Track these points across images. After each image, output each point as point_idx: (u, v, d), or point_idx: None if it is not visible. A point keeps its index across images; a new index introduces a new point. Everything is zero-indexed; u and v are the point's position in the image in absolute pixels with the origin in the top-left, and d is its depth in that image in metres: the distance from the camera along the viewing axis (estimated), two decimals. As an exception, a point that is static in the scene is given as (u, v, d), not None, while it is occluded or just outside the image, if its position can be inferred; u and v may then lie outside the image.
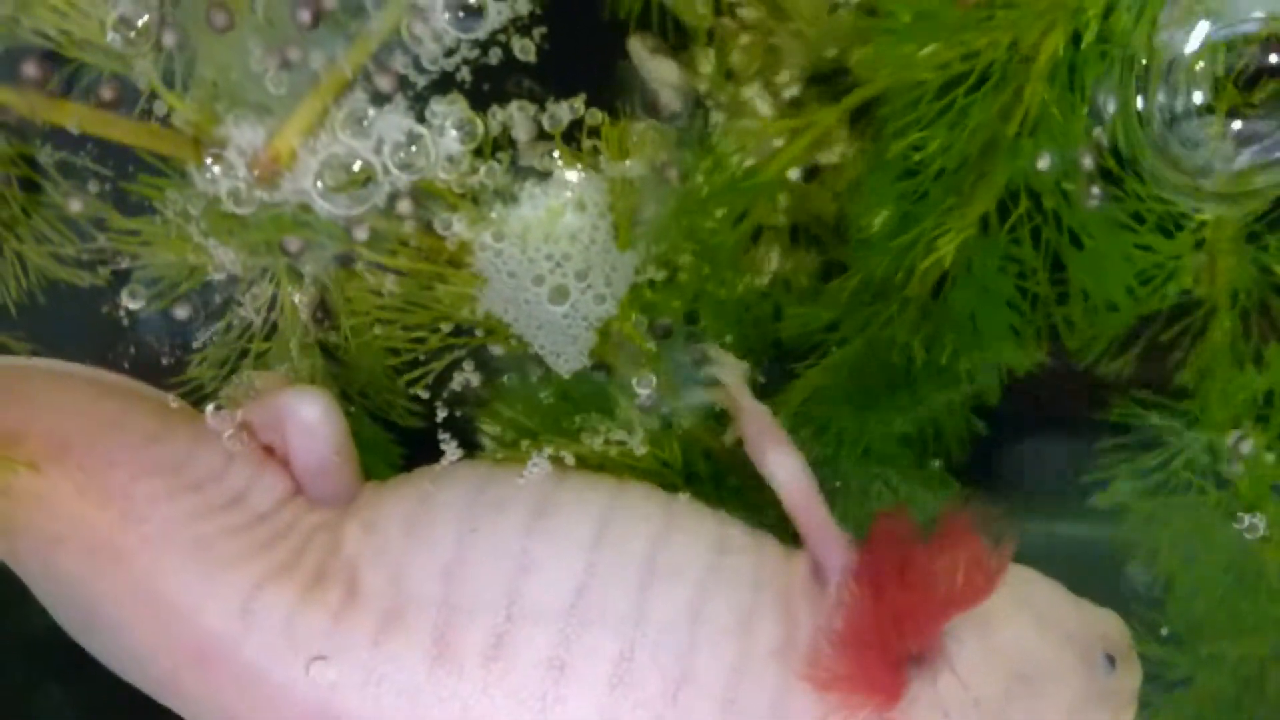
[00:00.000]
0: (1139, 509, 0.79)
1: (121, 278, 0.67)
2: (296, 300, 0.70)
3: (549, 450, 0.68)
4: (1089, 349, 0.78)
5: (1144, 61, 0.69)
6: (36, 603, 0.69)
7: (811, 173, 0.74)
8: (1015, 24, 0.69)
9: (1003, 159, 0.74)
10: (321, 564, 0.68)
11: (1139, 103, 0.70)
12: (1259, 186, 0.72)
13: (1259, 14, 0.67)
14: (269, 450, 0.72)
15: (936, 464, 0.81)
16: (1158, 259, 0.75)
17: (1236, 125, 0.69)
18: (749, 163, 0.71)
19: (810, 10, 0.70)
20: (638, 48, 0.68)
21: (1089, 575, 0.75)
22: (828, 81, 0.72)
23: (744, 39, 0.70)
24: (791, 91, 0.71)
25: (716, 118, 0.69)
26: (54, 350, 0.71)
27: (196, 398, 0.74)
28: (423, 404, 0.73)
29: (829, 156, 0.75)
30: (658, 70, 0.68)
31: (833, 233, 0.77)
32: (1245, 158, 0.70)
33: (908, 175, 0.73)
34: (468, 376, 0.70)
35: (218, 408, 0.71)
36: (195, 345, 0.72)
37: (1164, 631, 0.80)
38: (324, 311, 0.72)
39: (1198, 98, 0.68)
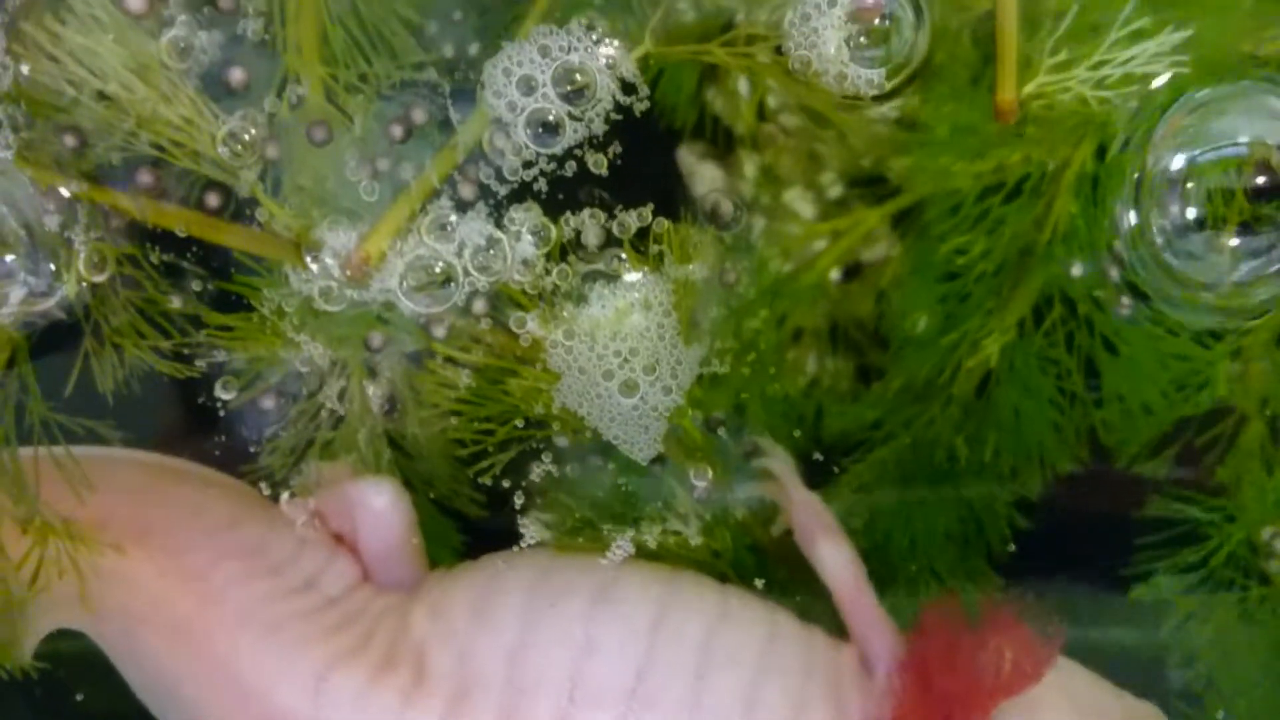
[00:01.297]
0: (1181, 605, 0.80)
1: (213, 370, 0.71)
2: (370, 392, 0.74)
3: (618, 538, 0.71)
4: (1127, 447, 0.81)
5: (1138, 178, 0.72)
6: (119, 676, 0.72)
7: (851, 272, 0.78)
8: (1046, 138, 0.74)
9: (1037, 265, 0.78)
10: (390, 646, 0.70)
11: (1132, 218, 0.73)
12: (1260, 299, 0.74)
13: (1244, 138, 0.70)
14: (339, 537, 0.76)
15: (980, 557, 0.83)
16: (1193, 366, 0.78)
17: (1233, 241, 0.71)
18: (790, 266, 0.76)
19: (848, 121, 0.74)
20: (685, 155, 0.73)
21: (1130, 670, 0.76)
22: (868, 184, 0.76)
23: (786, 144, 0.75)
24: (833, 193, 0.75)
25: (761, 221, 0.74)
26: (144, 438, 0.74)
27: (267, 484, 0.77)
28: (484, 492, 0.76)
29: (870, 254, 0.79)
30: (704, 175, 0.73)
31: (871, 335, 0.81)
32: (1244, 272, 0.72)
33: (950, 278, 0.77)
34: (532, 467, 0.74)
35: (291, 496, 0.75)
36: (269, 434, 0.76)
37: (1205, 728, 0.81)
38: (392, 403, 0.76)
39: (1192, 214, 0.71)
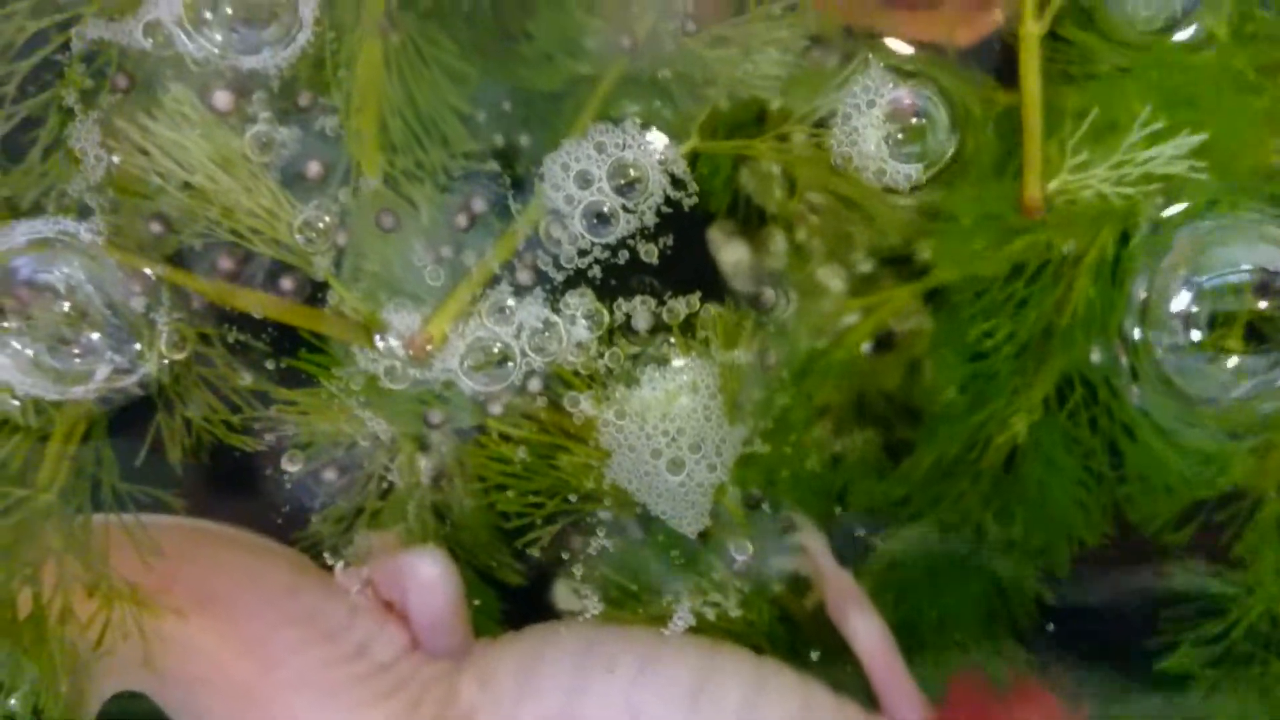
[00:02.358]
0: (1203, 678, 0.82)
1: (277, 443, 0.75)
2: (422, 464, 0.78)
3: (665, 609, 0.74)
4: (1150, 522, 0.82)
5: (1144, 299, 0.76)
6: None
7: (881, 345, 0.81)
8: (1067, 226, 0.77)
9: (1059, 347, 0.81)
10: (439, 714, 0.73)
11: (1136, 335, 0.77)
12: (1264, 413, 0.77)
13: (1247, 266, 0.74)
14: (390, 605, 0.78)
15: (1007, 630, 0.85)
16: (1209, 454, 0.80)
17: (1233, 361, 0.74)
18: (821, 343, 0.79)
19: (873, 205, 0.78)
20: (715, 235, 0.77)
21: (1155, 743, 0.79)
22: (897, 263, 0.79)
23: (817, 222, 0.78)
24: (863, 270, 0.78)
25: (794, 300, 0.77)
26: (208, 507, 0.78)
27: (316, 552, 0.80)
28: (527, 562, 0.79)
29: (900, 328, 0.81)
30: (733, 255, 0.77)
31: (901, 409, 0.83)
32: (1244, 390, 0.75)
33: (978, 357, 0.80)
34: (578, 540, 0.77)
35: (345, 565, 0.78)
36: (323, 505, 0.79)
37: (1228, 803, 0.83)
38: (442, 475, 0.79)
39: (1195, 336, 0.74)
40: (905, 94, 0.71)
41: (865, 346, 0.80)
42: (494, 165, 0.73)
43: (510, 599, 0.81)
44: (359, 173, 0.70)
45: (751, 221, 0.76)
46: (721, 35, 0.74)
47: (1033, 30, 0.73)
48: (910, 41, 0.77)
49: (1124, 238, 0.77)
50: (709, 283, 0.74)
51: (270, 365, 0.73)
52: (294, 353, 0.73)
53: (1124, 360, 0.79)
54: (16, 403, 0.69)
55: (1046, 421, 0.81)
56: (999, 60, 0.76)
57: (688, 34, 0.73)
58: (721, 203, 0.75)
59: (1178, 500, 0.83)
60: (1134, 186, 0.75)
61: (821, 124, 0.73)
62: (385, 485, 0.78)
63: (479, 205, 0.72)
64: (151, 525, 0.74)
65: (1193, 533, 0.83)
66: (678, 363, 0.72)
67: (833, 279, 0.78)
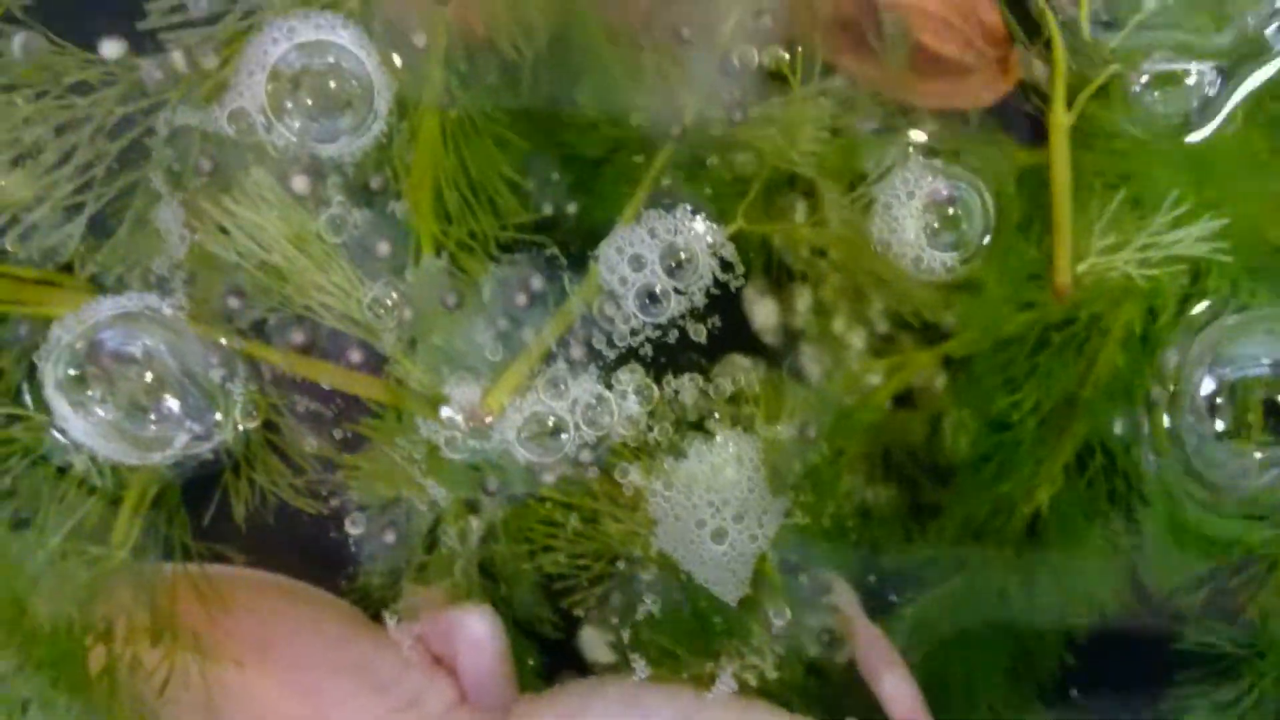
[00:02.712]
0: (1220, 740, 0.85)
1: (340, 506, 0.78)
2: (473, 525, 0.81)
3: (708, 669, 0.77)
4: (1166, 586, 0.84)
5: (1173, 390, 0.78)
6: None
7: (905, 402, 0.83)
8: (1094, 301, 0.79)
9: (1081, 418, 0.83)
10: (486, 765, 0.76)
11: (1166, 421, 0.79)
12: None
13: (1266, 360, 0.77)
14: (439, 659, 0.81)
15: (1032, 690, 0.87)
16: (1225, 526, 0.82)
17: (1258, 454, 0.77)
18: (848, 405, 0.82)
19: (910, 288, 0.80)
20: (759, 312, 0.80)
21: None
22: (926, 329, 0.81)
23: (852, 299, 0.81)
24: (893, 340, 0.81)
25: (830, 371, 0.80)
26: (268, 561, 0.81)
27: (366, 604, 0.83)
28: (570, 621, 0.82)
29: (924, 388, 0.83)
30: (775, 331, 0.80)
31: (928, 469, 0.86)
32: (1268, 479, 0.77)
33: (1003, 426, 0.82)
34: (621, 601, 0.80)
35: (398, 620, 0.81)
36: (377, 562, 0.82)
37: None
38: (491, 535, 0.82)
39: (1219, 426, 0.77)
40: (943, 186, 0.74)
41: (894, 412, 0.83)
42: (549, 243, 0.77)
43: (553, 655, 0.84)
44: (425, 253, 0.74)
45: (793, 299, 0.80)
46: (765, 115, 0.77)
47: (1062, 120, 0.77)
48: (936, 110, 0.80)
49: (1149, 313, 0.80)
50: (753, 358, 0.78)
51: (336, 433, 0.76)
52: (359, 421, 0.76)
53: (1146, 431, 0.81)
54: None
55: (1067, 489, 0.83)
56: (1019, 117, 0.79)
57: (734, 122, 0.77)
58: (765, 282, 0.79)
59: (1193, 565, 0.86)
60: (1159, 267, 0.78)
61: (858, 199, 0.76)
62: (434, 541, 0.81)
63: (536, 284, 0.75)
64: (214, 575, 0.77)
65: (1208, 595, 0.85)
66: (723, 436, 0.75)
67: (865, 350, 0.81)
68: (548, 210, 0.78)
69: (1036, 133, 0.79)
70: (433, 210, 0.75)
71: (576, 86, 0.78)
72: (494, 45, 0.77)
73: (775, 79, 0.78)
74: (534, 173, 0.78)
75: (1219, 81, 0.78)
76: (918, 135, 0.76)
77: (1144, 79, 0.77)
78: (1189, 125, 0.79)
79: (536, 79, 0.77)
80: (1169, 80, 0.77)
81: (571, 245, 0.76)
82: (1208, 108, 0.78)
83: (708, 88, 0.77)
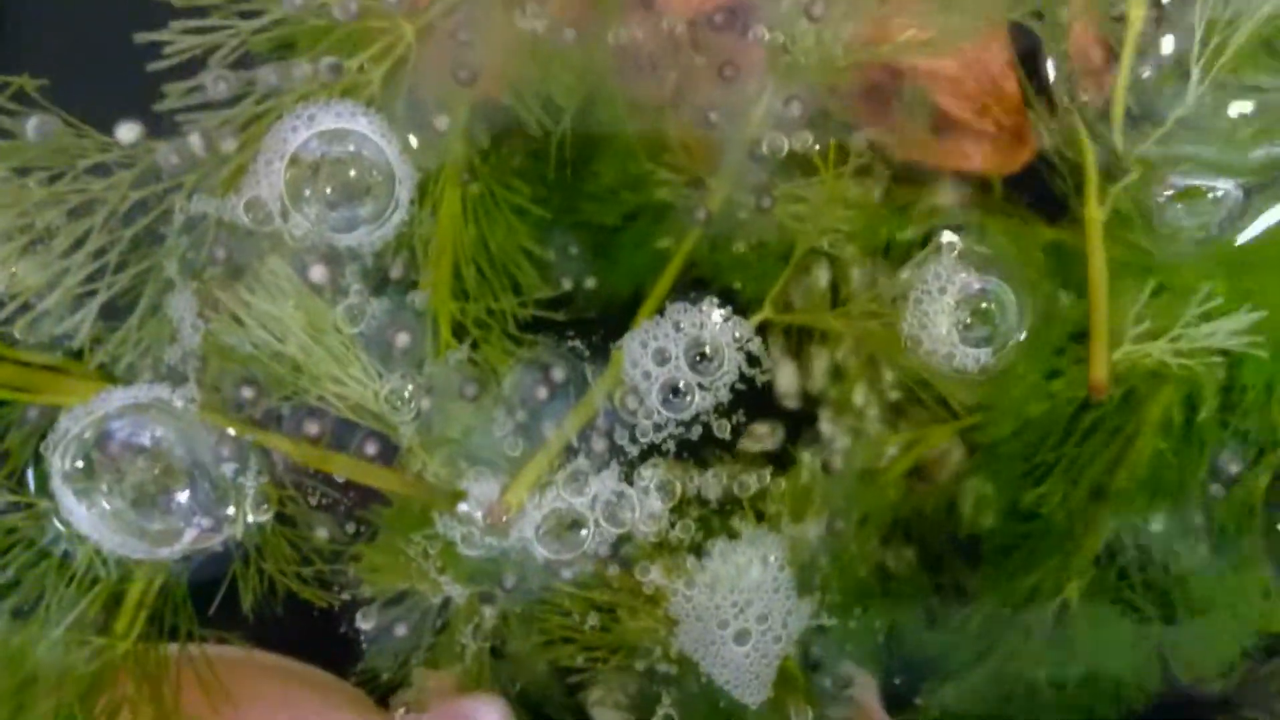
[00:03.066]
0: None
1: (352, 599, 0.76)
2: (486, 613, 0.79)
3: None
4: (1195, 671, 0.83)
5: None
6: None
7: (927, 485, 0.81)
8: (1125, 388, 0.78)
9: (1113, 509, 0.82)
10: None
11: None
12: None
13: None
14: (448, 748, 0.79)
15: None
16: (1260, 611, 0.82)
17: None
18: (876, 495, 0.80)
19: (942, 383, 0.79)
20: (777, 389, 0.78)
21: None
22: (953, 417, 0.79)
23: (881, 393, 0.80)
24: (911, 422, 0.80)
25: (848, 456, 0.79)
26: (276, 650, 0.79)
27: (373, 688, 0.81)
28: (579, 715, 0.80)
29: (953, 483, 0.82)
30: (802, 426, 0.78)
31: (954, 560, 0.84)
32: None
33: (1030, 518, 0.81)
34: (635, 696, 0.78)
35: (406, 710, 0.79)
36: (388, 650, 0.80)
37: None
38: (507, 625, 0.80)
39: None
40: (975, 280, 0.73)
41: (920, 503, 0.82)
42: (568, 323, 0.75)
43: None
44: (443, 339, 0.72)
45: (820, 392, 0.78)
46: (793, 200, 0.76)
47: (1096, 216, 0.75)
48: (956, 174, 0.79)
49: (1188, 403, 0.79)
50: (779, 453, 0.76)
51: (350, 527, 0.74)
52: (372, 513, 0.75)
53: (1199, 524, 0.80)
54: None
55: (1096, 580, 0.82)
56: (1040, 190, 0.78)
57: (762, 207, 0.76)
58: (792, 375, 0.77)
59: (1225, 653, 0.84)
60: (1194, 358, 0.77)
61: (890, 292, 0.75)
62: (446, 628, 0.79)
63: (557, 375, 0.74)
64: (219, 658, 0.75)
65: (1237, 681, 0.84)
66: (747, 535, 0.73)
67: (893, 444, 0.79)
68: (568, 286, 0.76)
69: (1058, 206, 0.78)
70: (451, 288, 0.74)
71: (600, 163, 0.77)
72: (519, 122, 0.75)
73: (802, 163, 0.77)
74: (554, 247, 0.77)
75: (1241, 199, 0.77)
76: (949, 232, 0.75)
77: (1168, 191, 0.76)
78: (1212, 238, 0.77)
79: (560, 155, 0.75)
80: (1193, 194, 0.77)
81: (593, 328, 0.75)
82: (1232, 224, 0.77)
83: (734, 172, 0.76)
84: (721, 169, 0.76)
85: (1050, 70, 0.77)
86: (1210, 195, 0.77)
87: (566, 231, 0.78)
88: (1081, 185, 0.78)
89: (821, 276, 0.76)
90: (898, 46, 0.74)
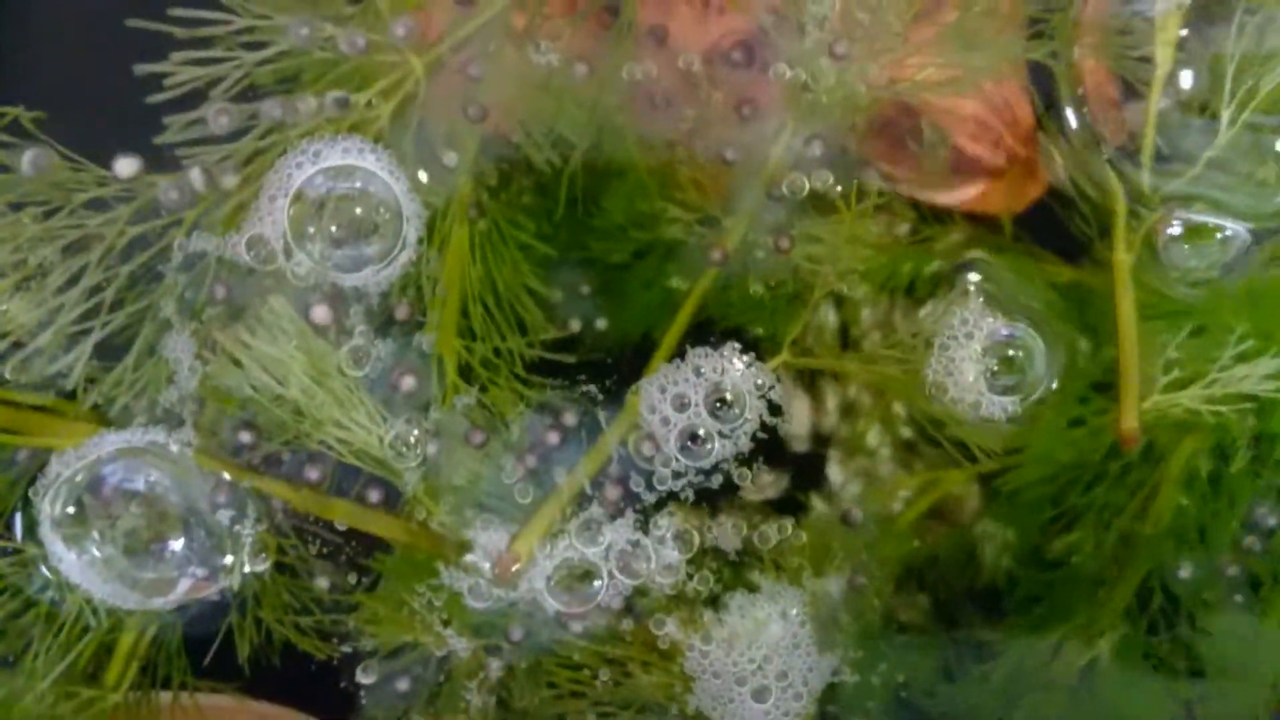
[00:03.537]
0: None
1: (352, 651, 0.73)
2: (492, 666, 0.76)
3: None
4: None
5: None
6: None
7: (956, 546, 0.79)
8: (1155, 434, 0.76)
9: (1141, 557, 0.80)
10: None
11: None
12: None
13: None
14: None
15: None
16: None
17: None
18: (898, 544, 0.78)
19: (967, 432, 0.77)
20: (796, 436, 0.76)
21: None
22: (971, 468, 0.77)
23: (904, 442, 0.77)
24: (933, 469, 0.78)
25: (869, 506, 0.76)
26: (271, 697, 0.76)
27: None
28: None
29: (975, 530, 0.79)
30: (822, 474, 0.76)
31: (978, 610, 0.82)
32: None
33: (1054, 565, 0.78)
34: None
35: (406, 765, 0.76)
36: (383, 704, 0.77)
37: None
38: (512, 678, 0.77)
39: None
40: (1003, 326, 0.70)
41: (942, 552, 0.79)
42: (578, 364, 0.73)
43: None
44: (450, 381, 0.70)
45: (839, 439, 0.75)
46: (812, 240, 0.74)
47: (1124, 259, 0.73)
48: (969, 214, 0.77)
49: (1218, 452, 0.77)
50: (799, 505, 0.73)
51: (351, 577, 0.71)
52: (374, 562, 0.72)
53: (1233, 573, 0.78)
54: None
55: (1126, 634, 0.80)
56: (1051, 228, 0.77)
57: (780, 248, 0.73)
58: (812, 421, 0.74)
59: (1253, 705, 0.81)
60: (1225, 404, 0.75)
61: (914, 337, 0.72)
62: (449, 680, 0.77)
63: (569, 420, 0.71)
64: (212, 707, 0.73)
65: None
66: (767, 588, 0.70)
67: (914, 493, 0.77)
68: (577, 326, 0.74)
69: (1071, 245, 0.77)
70: (459, 329, 0.72)
71: (610, 201, 0.75)
72: (527, 158, 0.74)
73: (819, 202, 0.75)
74: (563, 286, 0.75)
75: (1249, 241, 0.75)
76: (975, 276, 0.73)
77: (1172, 229, 0.75)
78: (1216, 279, 0.76)
79: (570, 192, 0.73)
80: (1201, 234, 0.75)
81: (606, 371, 0.72)
82: (1237, 266, 0.76)
83: (751, 210, 0.73)
84: (738, 207, 0.74)
85: (1069, 113, 0.76)
86: (1219, 236, 0.75)
87: (575, 269, 0.75)
88: (1099, 224, 0.76)
89: (839, 319, 0.74)
90: (918, 84, 0.73)
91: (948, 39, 0.74)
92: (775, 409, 0.71)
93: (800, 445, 0.74)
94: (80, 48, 0.73)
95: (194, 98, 0.68)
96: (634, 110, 0.75)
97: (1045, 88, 0.78)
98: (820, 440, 0.74)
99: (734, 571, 0.71)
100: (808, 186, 0.72)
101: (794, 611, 0.70)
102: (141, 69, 0.67)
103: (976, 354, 0.69)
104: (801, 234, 0.74)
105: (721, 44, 0.74)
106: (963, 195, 0.78)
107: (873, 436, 0.75)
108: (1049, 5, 0.75)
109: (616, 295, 0.76)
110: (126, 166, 0.67)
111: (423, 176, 0.69)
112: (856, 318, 0.75)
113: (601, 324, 0.74)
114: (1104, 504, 0.78)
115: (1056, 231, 0.77)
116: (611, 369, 0.73)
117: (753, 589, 0.70)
